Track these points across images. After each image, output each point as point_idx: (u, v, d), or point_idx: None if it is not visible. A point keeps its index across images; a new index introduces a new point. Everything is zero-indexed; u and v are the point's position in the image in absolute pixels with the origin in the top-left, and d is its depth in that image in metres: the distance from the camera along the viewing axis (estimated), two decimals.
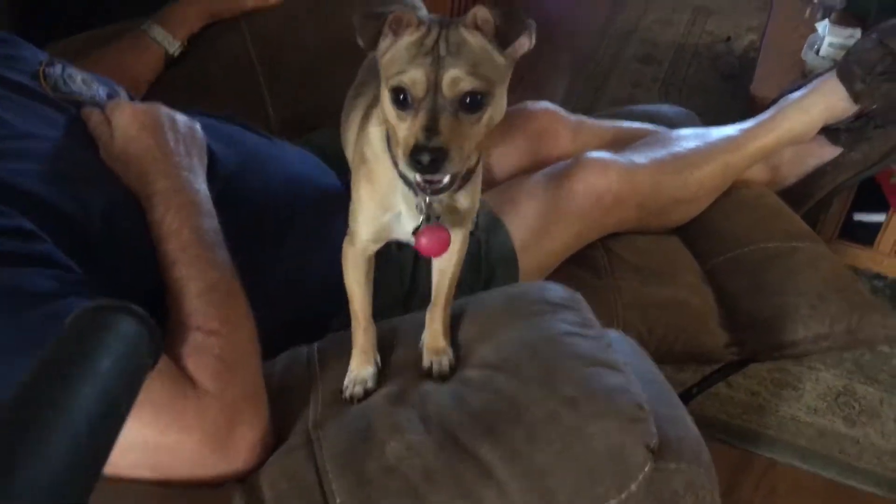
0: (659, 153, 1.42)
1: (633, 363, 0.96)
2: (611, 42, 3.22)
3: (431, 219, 0.88)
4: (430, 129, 0.75)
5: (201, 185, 1.02)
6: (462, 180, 0.86)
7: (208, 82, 1.49)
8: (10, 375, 0.73)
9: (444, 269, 0.97)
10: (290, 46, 1.52)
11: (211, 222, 0.99)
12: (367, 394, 0.94)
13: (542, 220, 1.29)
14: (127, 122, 1.01)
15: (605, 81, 2.97)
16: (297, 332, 1.07)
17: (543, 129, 1.48)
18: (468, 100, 0.76)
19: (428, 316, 0.97)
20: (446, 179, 0.80)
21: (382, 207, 0.91)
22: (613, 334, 1.06)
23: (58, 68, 1.08)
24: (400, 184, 0.88)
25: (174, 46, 1.49)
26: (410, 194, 0.88)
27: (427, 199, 0.86)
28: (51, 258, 0.83)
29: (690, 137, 1.48)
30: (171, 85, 1.46)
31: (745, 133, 1.49)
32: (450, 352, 0.95)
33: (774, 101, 1.57)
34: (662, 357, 1.25)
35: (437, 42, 0.76)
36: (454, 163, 0.76)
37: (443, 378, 0.93)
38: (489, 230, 1.27)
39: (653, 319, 1.27)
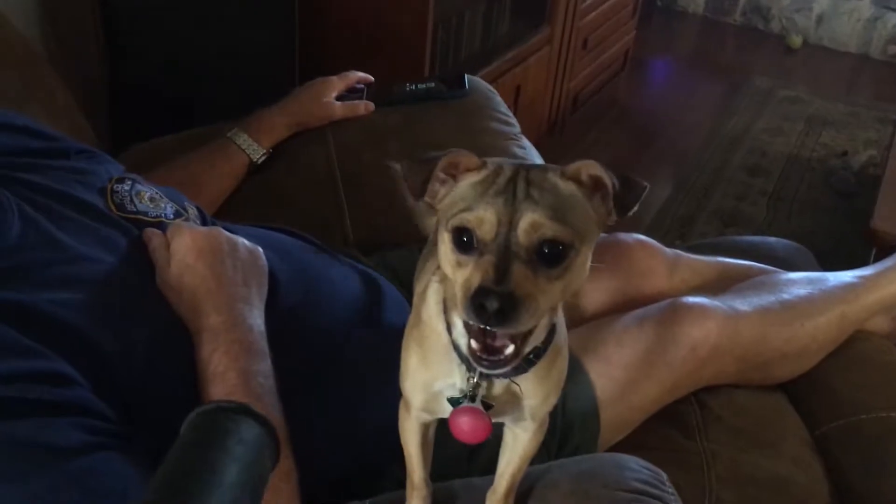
0: (765, 300, 1.28)
1: None
2: (717, 150, 3.08)
3: (477, 399, 0.74)
4: (500, 271, 0.62)
5: (256, 319, 0.95)
6: (526, 362, 0.72)
7: (287, 193, 1.45)
8: None
9: (510, 458, 0.85)
10: (373, 163, 1.46)
11: (262, 365, 0.91)
12: None
13: (628, 370, 1.17)
14: (185, 249, 0.96)
15: (709, 193, 2.83)
16: (347, 484, 0.98)
17: (636, 265, 1.36)
18: (547, 250, 0.64)
19: (488, 500, 0.86)
20: (510, 350, 0.66)
21: (433, 376, 0.77)
22: None
23: (127, 185, 1.05)
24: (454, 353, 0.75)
25: (259, 154, 1.46)
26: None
27: (475, 375, 0.73)
28: (85, 406, 0.77)
29: (802, 283, 1.33)
30: (249, 193, 1.43)
31: (866, 281, 1.34)
32: None
33: None
34: None
35: (512, 182, 0.66)
36: (525, 318, 0.62)
37: None
38: (569, 378, 1.15)
39: (750, 499, 1.11)
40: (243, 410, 0.65)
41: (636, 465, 0.89)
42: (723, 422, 1.22)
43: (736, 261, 1.44)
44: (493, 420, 0.77)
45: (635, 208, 0.67)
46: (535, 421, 0.80)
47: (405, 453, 0.88)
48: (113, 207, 1.01)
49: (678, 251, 1.43)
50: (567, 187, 0.67)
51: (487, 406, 0.75)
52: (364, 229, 1.44)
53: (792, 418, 1.26)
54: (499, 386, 0.75)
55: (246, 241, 1.03)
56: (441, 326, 0.74)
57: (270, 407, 0.89)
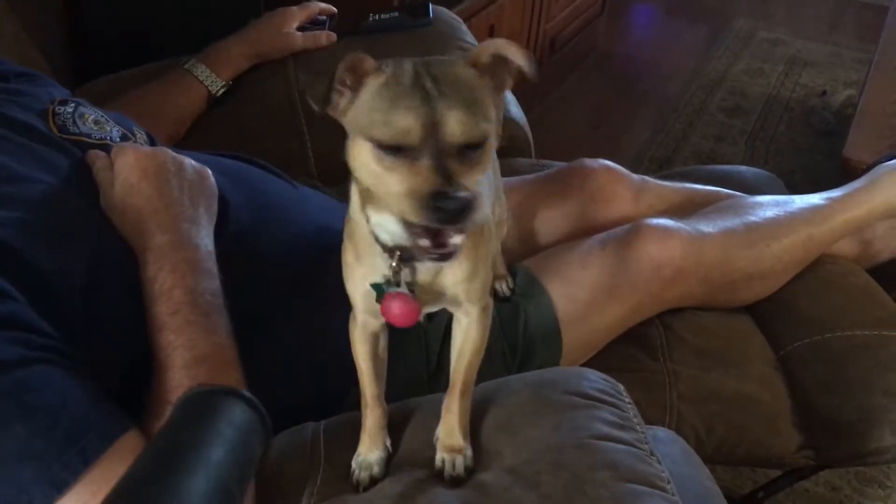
0: (731, 222, 1.26)
1: (682, 473, 0.83)
2: (696, 91, 3.05)
3: (402, 285, 0.76)
4: (443, 174, 0.63)
5: (203, 238, 0.93)
6: None
7: (248, 125, 1.42)
8: None
9: (460, 350, 0.84)
10: None
11: (210, 283, 0.90)
12: (374, 481, 0.84)
13: (592, 291, 1.16)
14: (129, 169, 0.93)
15: (687, 133, 2.81)
16: (305, 411, 0.97)
17: (600, 190, 1.34)
18: (471, 144, 0.65)
19: (444, 405, 0.85)
20: (458, 240, 0.67)
21: (367, 270, 0.78)
22: (661, 433, 0.92)
23: (70, 107, 1.02)
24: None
25: (218, 86, 1.43)
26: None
27: (395, 260, 0.75)
28: (20, 320, 0.75)
29: (769, 205, 1.31)
30: (209, 126, 1.40)
31: (834, 203, 1.32)
32: (467, 451, 0.83)
33: (869, 168, 1.40)
34: (722, 460, 1.09)
35: (419, 82, 0.65)
36: (479, 213, 0.64)
37: (455, 482, 0.81)
38: (530, 298, 1.14)
39: (713, 416, 1.11)
40: (235, 394, 0.66)
41: (594, 376, 0.89)
42: (687, 343, 1.21)
43: (704, 186, 1.43)
44: (431, 307, 0.81)
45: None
46: (472, 303, 0.81)
47: (357, 369, 0.87)
48: (54, 129, 0.98)
49: (645, 177, 1.41)
50: (471, 76, 0.68)
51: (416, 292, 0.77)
52: (327, 161, 1.42)
53: (757, 339, 1.26)
54: (423, 272, 0.76)
55: (193, 162, 1.00)
56: (364, 220, 0.75)
57: (218, 326, 0.87)
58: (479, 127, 0.65)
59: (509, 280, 1.16)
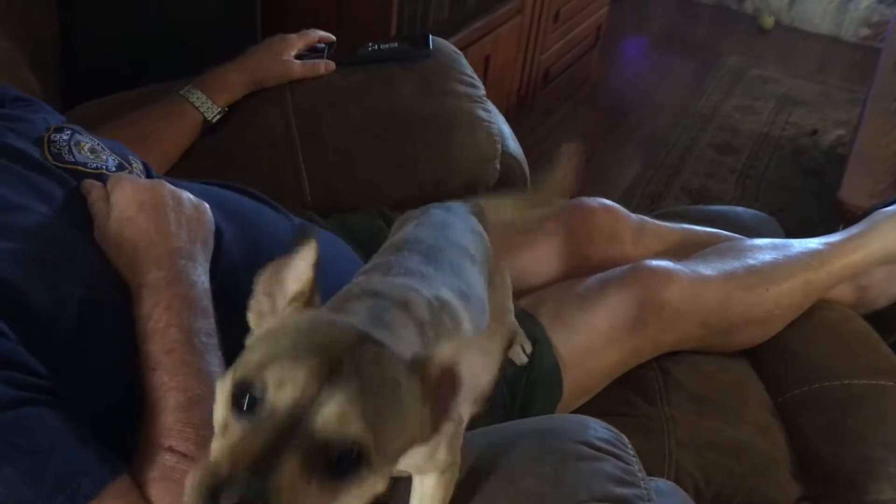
0: (730, 265, 1.26)
1: None
2: (687, 128, 3.07)
3: None
4: (261, 464, 0.46)
5: (200, 276, 0.91)
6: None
7: (243, 154, 1.40)
8: None
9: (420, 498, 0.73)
10: (332, 125, 1.42)
11: (205, 322, 0.87)
12: None
13: (590, 335, 1.15)
14: (126, 201, 0.91)
15: (678, 170, 2.81)
16: None
17: (599, 229, 1.33)
18: (338, 455, 0.49)
19: None
20: None
21: None
22: (663, 485, 0.90)
23: (66, 134, 0.99)
24: None
25: (213, 112, 1.40)
26: None
27: None
28: (12, 360, 0.73)
29: (767, 248, 1.31)
30: (201, 153, 1.37)
31: (832, 248, 1.32)
32: None
33: (866, 213, 1.40)
34: None
35: (348, 350, 0.52)
36: None
37: None
38: (532, 342, 1.12)
39: (711, 464, 1.10)
40: None
41: (598, 426, 0.87)
42: (684, 388, 1.20)
43: (702, 228, 1.42)
44: None
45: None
46: (441, 470, 0.70)
47: None
48: (49, 157, 0.96)
49: (643, 217, 1.40)
50: (408, 387, 0.53)
51: None
52: (322, 191, 1.40)
53: (754, 385, 1.25)
54: None
55: (191, 196, 0.98)
56: None
57: (212, 366, 0.84)
58: (362, 431, 0.49)
59: (526, 346, 1.10)
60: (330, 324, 0.55)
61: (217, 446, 0.50)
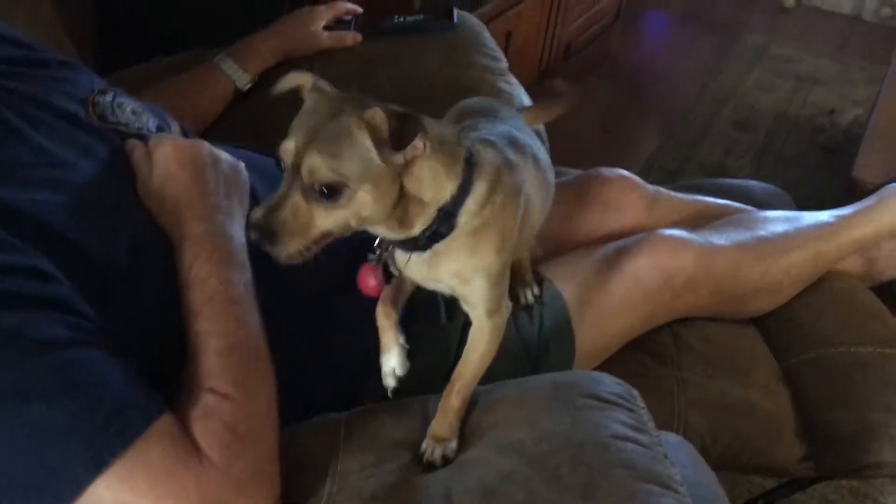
0: (742, 235, 1.29)
1: (691, 477, 0.85)
2: (706, 104, 3.08)
3: (380, 261, 0.94)
4: (274, 207, 0.78)
5: (237, 231, 0.96)
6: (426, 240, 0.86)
7: (273, 122, 1.44)
8: (15, 425, 0.71)
9: (466, 353, 0.93)
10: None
11: (242, 274, 0.92)
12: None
13: (605, 298, 1.19)
14: (167, 159, 0.96)
15: (696, 146, 2.84)
16: (325, 400, 1.00)
17: (616, 199, 1.37)
18: (324, 189, 0.76)
19: (441, 400, 0.91)
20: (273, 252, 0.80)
21: None
22: (671, 439, 0.95)
23: (109, 96, 1.05)
24: None
25: (244, 81, 1.45)
26: None
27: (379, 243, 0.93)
28: (66, 303, 0.78)
29: (779, 220, 1.35)
30: (234, 121, 1.42)
31: (842, 221, 1.35)
32: (450, 443, 0.90)
33: (878, 188, 1.43)
34: (726, 466, 1.13)
35: (323, 118, 0.77)
36: (283, 249, 0.78)
37: (428, 467, 0.88)
38: (545, 302, 1.17)
39: (718, 423, 1.15)
40: None
41: (609, 381, 0.92)
42: (695, 351, 1.24)
43: (715, 199, 1.46)
44: (426, 288, 0.96)
45: (414, 142, 0.78)
46: (475, 307, 0.92)
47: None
48: (94, 117, 1.01)
49: (659, 188, 1.44)
50: (357, 134, 0.76)
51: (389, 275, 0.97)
52: None
53: (763, 351, 1.29)
54: (416, 259, 0.90)
55: (228, 156, 1.03)
56: None
57: (249, 316, 0.90)
58: (328, 173, 0.76)
59: (535, 288, 1.18)
60: (330, 93, 0.83)
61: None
